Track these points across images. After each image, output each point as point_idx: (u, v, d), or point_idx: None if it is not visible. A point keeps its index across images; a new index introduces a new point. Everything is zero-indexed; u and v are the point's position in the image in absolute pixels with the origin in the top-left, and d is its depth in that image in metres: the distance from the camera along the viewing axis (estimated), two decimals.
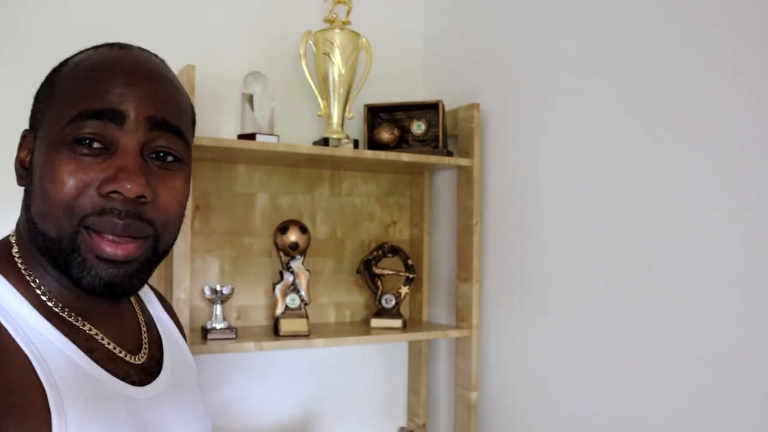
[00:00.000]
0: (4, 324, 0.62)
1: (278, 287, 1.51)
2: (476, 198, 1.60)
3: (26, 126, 0.73)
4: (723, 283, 1.07)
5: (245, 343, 1.37)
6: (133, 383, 0.71)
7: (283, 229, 1.51)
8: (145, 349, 0.77)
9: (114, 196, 0.65)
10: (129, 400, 0.69)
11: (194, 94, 1.30)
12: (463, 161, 1.60)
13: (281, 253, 1.53)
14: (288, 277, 1.51)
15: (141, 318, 0.81)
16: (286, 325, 1.47)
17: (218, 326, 1.42)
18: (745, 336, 1.04)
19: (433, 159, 1.57)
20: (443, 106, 1.61)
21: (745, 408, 1.03)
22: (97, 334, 0.70)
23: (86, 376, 0.65)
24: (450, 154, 1.63)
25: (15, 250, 0.69)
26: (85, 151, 0.65)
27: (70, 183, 0.64)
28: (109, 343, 0.71)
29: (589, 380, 1.32)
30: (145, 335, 0.78)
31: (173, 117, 0.70)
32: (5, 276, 0.67)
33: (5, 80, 1.38)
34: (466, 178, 1.63)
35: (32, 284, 0.68)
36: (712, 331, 1.09)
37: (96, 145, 0.65)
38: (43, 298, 0.67)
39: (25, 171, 0.70)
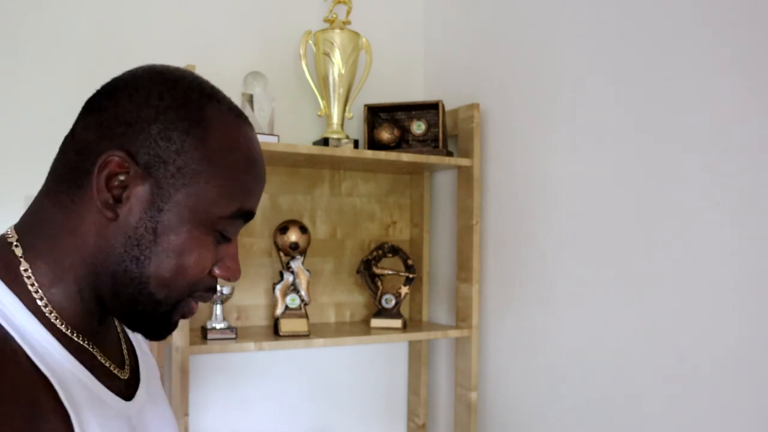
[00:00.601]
0: (24, 347, 0.61)
1: (278, 287, 1.51)
2: (476, 198, 1.60)
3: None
4: (724, 282, 1.07)
5: (245, 343, 1.37)
6: (124, 398, 0.71)
7: (283, 229, 1.51)
8: (127, 361, 0.77)
9: (218, 275, 0.70)
10: (127, 417, 0.69)
11: None
12: (463, 161, 1.60)
13: (281, 253, 1.53)
14: (288, 277, 1.51)
15: (119, 328, 0.80)
16: (286, 325, 1.47)
17: (218, 326, 1.42)
18: (745, 332, 1.04)
19: (433, 159, 1.57)
20: (443, 106, 1.61)
21: (748, 403, 1.03)
22: (98, 353, 0.70)
23: (95, 397, 0.65)
24: (450, 154, 1.63)
25: (23, 267, 0.65)
26: (222, 239, 0.70)
27: (204, 267, 0.68)
28: (106, 361, 0.71)
29: (589, 380, 1.32)
30: (124, 345, 0.78)
31: None
32: (19, 298, 0.64)
33: (6, 79, 1.38)
34: (466, 178, 1.63)
35: (39, 301, 0.65)
36: (712, 332, 1.09)
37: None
38: (51, 318, 0.65)
39: (115, 202, 0.64)
